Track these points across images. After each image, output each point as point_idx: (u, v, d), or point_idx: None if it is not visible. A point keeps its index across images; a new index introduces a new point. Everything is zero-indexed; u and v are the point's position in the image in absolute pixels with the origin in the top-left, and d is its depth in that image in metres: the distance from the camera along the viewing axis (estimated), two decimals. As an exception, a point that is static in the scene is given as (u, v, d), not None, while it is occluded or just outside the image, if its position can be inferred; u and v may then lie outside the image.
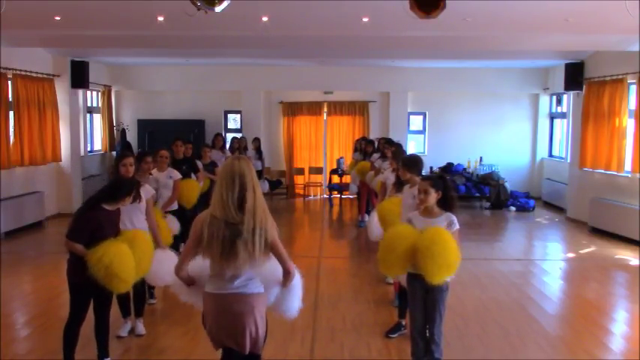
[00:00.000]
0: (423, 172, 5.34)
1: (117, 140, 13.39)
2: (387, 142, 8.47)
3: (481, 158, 13.45)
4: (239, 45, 9.29)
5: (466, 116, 13.71)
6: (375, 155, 9.40)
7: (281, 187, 13.65)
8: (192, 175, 7.39)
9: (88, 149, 12.55)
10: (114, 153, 13.06)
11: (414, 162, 5.14)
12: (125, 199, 4.24)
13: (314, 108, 13.92)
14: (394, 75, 13.32)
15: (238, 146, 11.47)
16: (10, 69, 9.30)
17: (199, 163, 8.06)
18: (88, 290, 4.12)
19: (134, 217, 4.77)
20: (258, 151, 12.31)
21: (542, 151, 13.57)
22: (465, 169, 13.23)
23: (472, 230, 10.18)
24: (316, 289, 6.53)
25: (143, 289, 5.28)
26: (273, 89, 13.82)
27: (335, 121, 14.01)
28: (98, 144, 13.12)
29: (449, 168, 13.19)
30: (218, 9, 4.79)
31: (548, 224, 11.03)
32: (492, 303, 6.20)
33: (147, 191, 5.08)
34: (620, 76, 9.52)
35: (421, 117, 14.01)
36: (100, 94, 12.94)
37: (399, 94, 13.60)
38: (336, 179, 13.06)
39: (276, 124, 14.04)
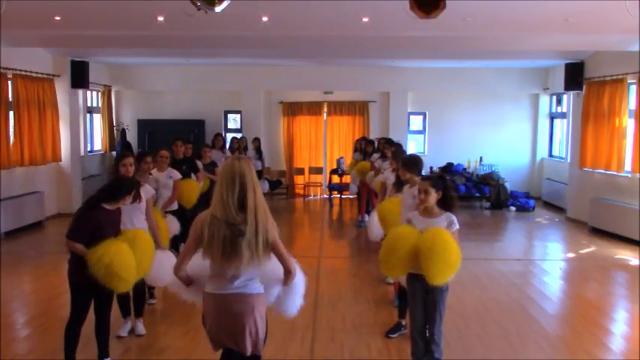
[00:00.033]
0: (423, 172, 5.35)
1: (117, 140, 13.39)
2: (387, 142, 8.46)
3: (481, 158, 13.45)
4: (239, 45, 9.29)
5: (466, 116, 13.71)
6: (375, 155, 9.40)
7: (281, 187, 13.65)
8: (192, 175, 7.39)
9: (88, 149, 12.55)
10: (114, 153, 13.06)
11: (414, 162, 5.14)
12: (125, 198, 4.25)
13: (314, 108, 13.92)
14: (394, 75, 13.32)
15: (238, 146, 11.47)
16: (10, 69, 9.31)
17: (199, 163, 8.06)
18: (88, 290, 4.12)
19: (134, 217, 4.77)
20: (258, 151, 12.31)
21: (542, 151, 13.57)
22: (465, 169, 13.23)
23: (472, 230, 10.18)
24: (316, 289, 6.53)
25: (143, 289, 5.28)
26: (273, 89, 13.82)
27: (335, 121, 14.01)
28: (98, 144, 13.13)
29: (449, 168, 13.19)
30: (218, 9, 4.79)
31: (548, 224, 11.03)
32: (492, 303, 6.20)
33: (147, 191, 5.08)
34: (620, 76, 9.52)
35: (421, 117, 14.01)
36: (100, 94, 12.94)
37: (399, 94, 13.60)
38: (336, 179, 13.06)
39: (276, 124, 14.04)
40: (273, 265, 3.14)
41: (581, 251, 8.80)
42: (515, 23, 7.15)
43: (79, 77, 11.18)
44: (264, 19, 6.82)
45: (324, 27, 7.54)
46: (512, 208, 12.27)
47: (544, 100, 13.50)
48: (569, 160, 11.65)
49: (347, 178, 12.15)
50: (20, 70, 9.60)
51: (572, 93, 11.44)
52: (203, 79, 13.43)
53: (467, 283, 6.69)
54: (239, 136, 12.82)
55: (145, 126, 13.47)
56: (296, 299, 3.31)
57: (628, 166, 9.39)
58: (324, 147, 14.06)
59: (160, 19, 6.79)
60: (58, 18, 6.95)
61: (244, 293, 3.09)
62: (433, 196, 4.03)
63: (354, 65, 13.17)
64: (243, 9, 6.14)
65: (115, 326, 4.88)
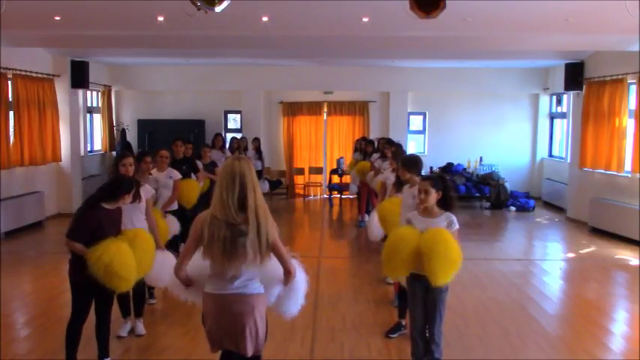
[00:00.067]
0: (423, 172, 5.34)
1: (117, 140, 13.39)
2: (387, 142, 8.46)
3: (481, 158, 13.45)
4: (239, 45, 9.29)
5: (466, 116, 13.71)
6: (375, 155, 9.40)
7: (281, 187, 13.65)
8: (192, 175, 7.39)
9: (88, 149, 12.55)
10: (114, 153, 13.06)
11: (414, 162, 5.14)
12: (124, 197, 4.24)
13: (314, 108, 13.92)
14: (394, 75, 13.32)
15: (238, 146, 11.47)
16: (10, 69, 9.31)
17: (199, 163, 8.06)
18: (89, 289, 4.12)
19: (134, 216, 4.77)
20: (258, 151, 12.31)
21: (542, 151, 13.57)
22: (465, 169, 13.23)
23: (472, 230, 10.18)
24: (316, 289, 6.53)
25: (143, 290, 5.28)
26: (273, 89, 13.82)
27: (335, 121, 14.01)
28: (98, 144, 13.13)
29: (449, 168, 13.19)
30: (218, 9, 4.79)
31: (548, 224, 11.03)
32: (492, 303, 6.20)
33: (147, 191, 5.09)
34: (620, 76, 9.52)
35: (421, 117, 14.01)
36: (100, 94, 12.94)
37: (399, 94, 13.60)
38: (336, 179, 13.06)
39: (276, 124, 14.04)
40: (274, 266, 3.14)
41: (581, 251, 8.80)
42: (515, 23, 7.15)
43: (79, 77, 11.18)
44: (264, 19, 6.82)
45: (324, 27, 7.54)
46: (512, 208, 12.27)
47: (544, 100, 13.50)
48: (569, 160, 11.65)
49: (347, 178, 12.15)
50: (20, 70, 9.60)
51: (572, 93, 11.44)
52: (203, 79, 13.43)
53: (467, 283, 6.69)
54: (239, 136, 12.82)
55: (145, 126, 13.47)
56: (297, 300, 3.30)
57: (628, 166, 9.39)
58: (324, 147, 14.06)
59: (160, 19, 6.79)
60: (58, 18, 6.95)
61: (244, 293, 3.09)
62: (433, 196, 4.03)
63: (354, 65, 13.17)
64: (243, 9, 6.14)
65: (115, 326, 4.88)
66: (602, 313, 6.12)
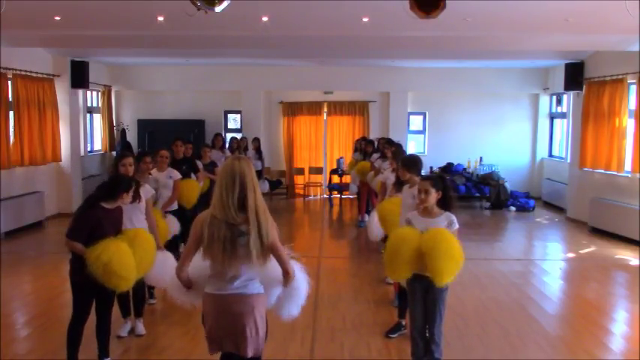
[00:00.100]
0: (423, 172, 5.34)
1: (117, 140, 13.39)
2: (387, 142, 8.46)
3: (481, 158, 13.45)
4: (239, 45, 9.29)
5: (466, 116, 13.71)
6: (375, 155, 9.40)
7: (281, 187, 13.65)
8: (192, 175, 7.39)
9: (88, 149, 12.55)
10: (114, 153, 13.06)
11: (414, 162, 5.15)
12: (123, 196, 4.23)
13: (314, 108, 13.92)
14: (394, 75, 13.32)
15: (237, 146, 11.46)
16: (10, 69, 9.31)
17: (199, 163, 8.06)
18: (89, 289, 4.13)
19: (134, 216, 4.77)
20: (258, 151, 12.30)
21: (542, 151, 13.57)
22: (465, 169, 13.23)
23: (472, 230, 10.18)
24: (316, 289, 6.52)
25: (143, 290, 5.29)
26: (273, 89, 13.82)
27: (335, 121, 14.01)
28: (98, 144, 13.13)
29: (449, 168, 13.20)
30: (218, 9, 4.79)
31: (548, 224, 11.03)
32: (492, 303, 6.20)
33: (146, 191, 5.09)
34: (620, 76, 9.52)
35: (421, 117, 14.01)
36: (100, 94, 12.94)
37: (399, 94, 13.60)
38: (336, 179, 13.06)
39: (276, 124, 14.04)
40: (274, 266, 3.14)
41: (581, 251, 8.80)
42: (515, 23, 7.15)
43: (79, 77, 11.18)
44: (264, 19, 6.82)
45: (324, 27, 7.54)
46: (512, 208, 12.27)
47: (544, 100, 13.50)
48: (569, 160, 11.65)
49: (347, 178, 12.15)
50: (20, 70, 9.60)
51: (572, 93, 11.44)
52: (203, 79, 13.43)
53: (467, 283, 6.69)
54: (239, 136, 12.82)
55: (145, 126, 13.47)
56: (297, 301, 3.29)
57: (628, 166, 9.39)
58: (324, 147, 14.06)
59: (160, 19, 6.79)
60: (58, 18, 6.95)
61: (244, 293, 3.09)
62: (433, 196, 4.04)
63: (354, 65, 13.17)
64: (243, 9, 6.14)
65: (115, 326, 4.88)
66: (602, 313, 6.12)
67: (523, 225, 11.17)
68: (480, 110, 13.72)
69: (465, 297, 6.26)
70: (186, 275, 3.17)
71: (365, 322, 5.56)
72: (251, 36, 8.09)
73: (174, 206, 6.46)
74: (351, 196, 12.53)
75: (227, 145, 11.55)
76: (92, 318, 4.31)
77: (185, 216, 6.52)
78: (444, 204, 4.09)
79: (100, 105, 12.97)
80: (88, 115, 12.46)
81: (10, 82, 9.45)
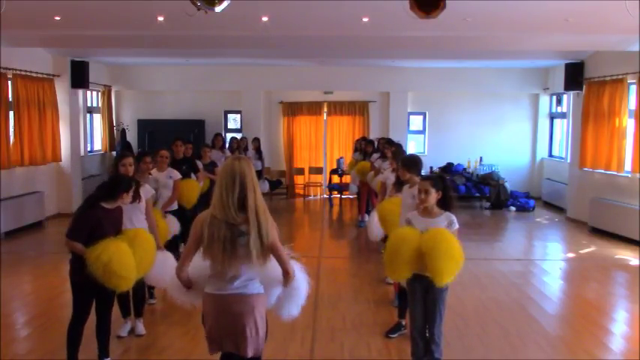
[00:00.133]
0: (423, 172, 5.34)
1: (117, 140, 13.39)
2: (387, 142, 8.46)
3: (481, 158, 13.45)
4: (239, 45, 9.29)
5: (466, 116, 13.71)
6: (375, 155, 9.40)
7: (281, 187, 13.65)
8: (192, 175, 7.39)
9: (88, 149, 12.55)
10: (114, 153, 13.06)
11: (414, 162, 5.15)
12: (123, 196, 4.23)
13: (314, 108, 13.92)
14: (394, 75, 13.32)
15: (237, 146, 11.47)
16: (10, 69, 9.31)
17: (199, 163, 8.06)
18: (89, 289, 4.13)
19: (134, 216, 4.77)
20: (258, 151, 12.31)
21: (542, 151, 13.57)
22: (465, 169, 13.23)
23: (472, 230, 10.18)
24: (316, 289, 6.52)
25: (143, 290, 5.29)
26: (273, 89, 13.82)
27: (335, 121, 14.01)
28: (98, 144, 13.13)
29: (449, 168, 13.20)
30: (218, 9, 4.79)
31: (548, 224, 11.03)
32: (492, 303, 6.20)
33: (146, 191, 5.09)
34: (620, 76, 9.52)
35: (421, 117, 14.01)
36: (100, 94, 12.94)
37: (399, 94, 13.60)
38: (336, 179, 13.06)
39: (276, 124, 14.04)
40: (274, 267, 3.14)
41: (581, 251, 8.80)
42: (515, 23, 7.15)
43: (79, 77, 11.18)
44: (264, 19, 6.82)
45: (324, 27, 7.54)
46: (512, 208, 12.27)
47: (544, 100, 13.50)
48: (569, 160, 11.65)
49: (347, 178, 12.15)
50: (20, 70, 9.60)
51: (572, 93, 11.44)
52: (203, 79, 13.43)
53: (467, 283, 6.69)
54: (239, 136, 12.82)
55: (145, 126, 13.47)
56: (297, 301, 3.29)
57: (628, 166, 9.39)
58: (324, 147, 14.06)
59: (160, 19, 6.79)
60: (58, 18, 6.95)
61: (244, 293, 3.09)
62: (433, 196, 4.04)
63: (354, 65, 13.17)
64: (243, 9, 6.14)
65: (115, 326, 4.88)
66: (602, 313, 6.12)
67: (523, 225, 11.17)
68: (480, 110, 13.72)
69: (465, 297, 6.26)
70: (186, 275, 3.17)
71: (365, 322, 5.56)
72: (251, 36, 8.09)
73: (174, 206, 6.46)
74: (351, 196, 12.53)
75: (227, 145, 11.55)
76: (92, 318, 4.31)
77: (185, 216, 6.52)
78: (444, 204, 4.10)
79: (100, 105, 12.97)
80: (88, 115, 12.46)
81: (10, 82, 9.45)
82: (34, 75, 10.05)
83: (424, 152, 13.72)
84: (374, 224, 6.23)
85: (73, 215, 4.33)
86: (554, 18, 6.70)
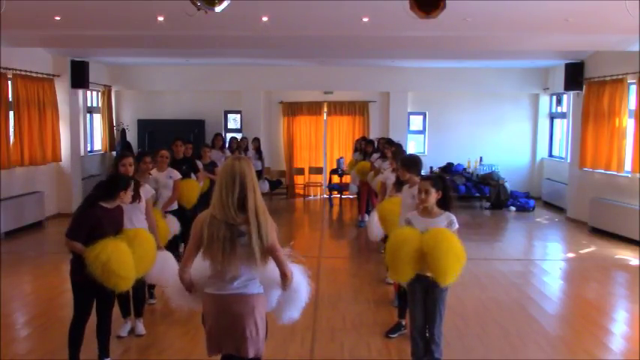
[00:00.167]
0: (423, 172, 5.34)
1: (117, 140, 13.39)
2: (387, 142, 8.46)
3: (481, 158, 13.45)
4: (239, 45, 9.30)
5: (466, 116, 13.71)
6: (375, 155, 9.40)
7: (281, 187, 13.65)
8: (192, 175, 7.39)
9: (88, 149, 12.55)
10: (114, 153, 13.06)
11: (413, 162, 5.15)
12: (121, 194, 4.22)
13: (314, 108, 13.92)
14: (394, 75, 13.32)
15: (237, 146, 11.47)
16: (10, 69, 9.30)
17: (199, 163, 8.06)
18: (89, 289, 4.12)
19: (134, 217, 4.77)
20: (258, 151, 12.31)
21: (542, 151, 13.57)
22: (465, 169, 13.23)
23: (472, 230, 10.17)
24: (316, 289, 6.50)
25: (143, 290, 5.29)
26: (273, 89, 13.82)
27: (335, 121, 14.01)
28: (98, 144, 13.13)
29: (449, 168, 13.20)
30: (218, 9, 4.79)
31: (548, 224, 11.03)
32: (492, 303, 6.20)
33: (146, 191, 5.09)
34: (620, 76, 9.52)
35: (421, 117, 14.01)
36: (100, 94, 12.94)
37: (399, 94, 13.60)
38: (336, 179, 13.06)
39: (276, 124, 14.04)
40: (273, 268, 3.13)
41: (581, 251, 8.80)
42: (515, 23, 7.15)
43: (79, 77, 11.18)
44: (264, 19, 6.82)
45: (324, 27, 7.54)
46: (512, 208, 12.27)
47: (544, 100, 13.50)
48: (569, 160, 11.64)
49: (347, 178, 12.15)
50: (20, 70, 9.60)
51: (572, 93, 11.44)
52: (203, 79, 13.43)
53: (467, 283, 6.68)
54: (239, 136, 12.82)
55: (145, 126, 13.47)
56: (298, 305, 3.28)
57: (628, 166, 9.39)
58: (324, 147, 14.06)
59: (160, 19, 6.79)
60: (58, 18, 6.95)
61: (244, 293, 3.08)
62: (433, 196, 4.04)
63: (354, 65, 13.17)
64: (243, 9, 6.14)
65: (115, 326, 4.88)
66: (602, 313, 6.12)
67: (523, 225, 11.17)
68: (480, 110, 13.72)
69: (465, 297, 6.26)
70: (188, 277, 3.16)
71: (365, 322, 5.56)
72: (251, 36, 8.09)
73: (175, 206, 6.46)
74: (351, 196, 12.53)
75: (227, 145, 11.55)
76: (92, 318, 4.30)
77: (185, 216, 6.52)
78: (444, 204, 4.10)
79: (100, 105, 12.96)
80: (88, 115, 12.46)
81: (10, 82, 9.44)
82: (34, 75, 10.05)
83: (424, 152, 13.72)
84: (374, 224, 6.23)
85: (72, 215, 4.32)
86: (554, 18, 6.70)
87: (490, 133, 13.65)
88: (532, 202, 12.36)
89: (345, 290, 6.67)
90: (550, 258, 8.73)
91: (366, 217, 9.53)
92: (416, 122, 14.06)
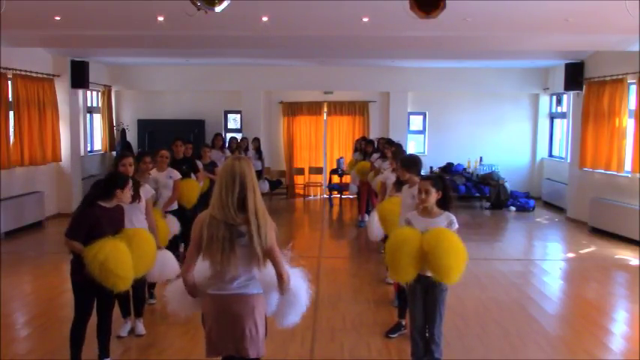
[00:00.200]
0: (423, 172, 5.34)
1: (117, 140, 13.39)
2: (387, 142, 8.47)
3: (481, 158, 13.45)
4: (239, 45, 9.29)
5: (466, 116, 13.71)
6: (375, 155, 9.40)
7: (281, 187, 13.65)
8: (192, 175, 7.39)
9: (88, 149, 12.55)
10: (114, 153, 13.06)
11: (413, 162, 5.15)
12: (117, 192, 4.20)
13: (314, 108, 13.92)
14: (394, 75, 13.32)
15: (237, 146, 11.47)
16: (10, 69, 9.30)
17: (199, 163, 8.06)
18: (90, 289, 4.12)
19: (134, 216, 4.77)
20: (258, 151, 12.31)
21: (542, 151, 13.57)
22: (465, 169, 13.23)
23: (472, 230, 10.17)
24: (316, 289, 6.51)
25: (143, 290, 5.29)
26: (273, 89, 13.82)
27: (335, 121, 14.01)
28: (98, 144, 13.13)
29: (449, 168, 13.20)
30: (218, 9, 4.80)
31: (548, 224, 11.03)
32: (492, 303, 6.20)
33: (146, 191, 5.09)
34: (620, 76, 9.52)
35: (421, 117, 14.01)
36: (100, 94, 12.94)
37: (399, 94, 13.60)
38: (336, 179, 13.06)
39: (276, 124, 14.04)
40: (273, 271, 3.12)
41: (581, 251, 8.80)
42: (515, 23, 7.15)
43: (79, 77, 11.18)
44: (264, 19, 6.82)
45: (324, 27, 7.54)
46: (512, 208, 12.27)
47: (544, 100, 13.50)
48: (569, 160, 11.65)
49: (347, 178, 12.15)
50: (20, 70, 9.60)
51: (572, 93, 11.44)
52: (203, 79, 13.43)
53: (467, 283, 6.66)
54: (239, 135, 12.82)
55: (145, 126, 13.47)
56: (297, 310, 3.26)
57: (628, 166, 9.39)
58: (324, 147, 14.06)
59: (160, 19, 6.79)
60: (58, 18, 6.95)
61: (245, 294, 3.08)
62: (433, 196, 4.04)
63: (354, 65, 13.17)
64: (243, 9, 6.14)
65: (115, 326, 4.88)
66: (602, 313, 6.12)
67: (523, 225, 11.17)
68: (480, 110, 13.72)
69: (465, 297, 6.26)
70: (192, 279, 3.13)
71: (365, 322, 5.56)
72: (251, 36, 8.09)
73: (175, 206, 6.47)
74: (351, 196, 12.53)
75: (227, 145, 11.55)
76: (92, 318, 4.30)
77: (185, 216, 6.52)
78: (444, 204, 4.10)
79: (100, 105, 12.97)
80: (88, 115, 12.46)
81: (10, 82, 9.45)
82: (34, 75, 10.05)
83: (424, 152, 13.72)
84: (374, 224, 6.23)
85: (72, 214, 4.32)
86: (554, 18, 6.70)
87: (490, 133, 13.65)
88: (532, 202, 12.36)
89: (345, 290, 6.67)
90: (550, 258, 8.73)
91: (366, 217, 9.53)
92: (416, 122, 14.06)
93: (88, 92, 12.33)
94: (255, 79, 13.42)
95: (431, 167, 12.88)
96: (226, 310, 3.07)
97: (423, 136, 13.99)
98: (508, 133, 13.68)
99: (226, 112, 14.19)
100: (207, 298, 3.13)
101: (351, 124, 13.93)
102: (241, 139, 12.12)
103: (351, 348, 4.96)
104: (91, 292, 4.16)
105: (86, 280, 4.00)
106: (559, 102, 12.97)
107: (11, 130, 9.45)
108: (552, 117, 13.35)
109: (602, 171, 10.03)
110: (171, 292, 3.35)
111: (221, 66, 13.24)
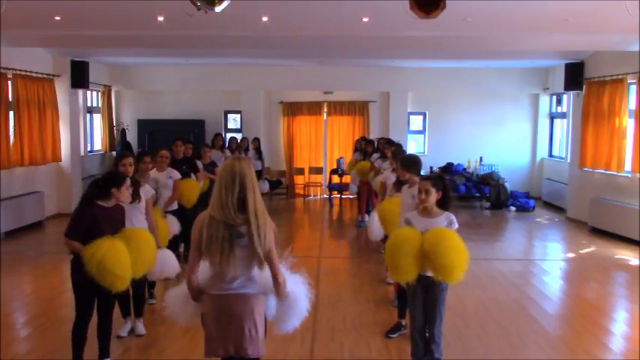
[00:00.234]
0: (423, 172, 5.34)
1: (117, 140, 13.40)
2: (387, 142, 8.47)
3: (481, 158, 13.45)
4: (239, 45, 9.29)
5: (466, 116, 13.71)
6: (375, 155, 9.40)
7: (281, 187, 13.64)
8: (192, 175, 7.40)
9: (88, 149, 12.55)
10: (114, 153, 13.07)
11: (413, 162, 5.15)
12: (113, 191, 4.18)
13: (314, 108, 13.92)
14: (394, 75, 13.32)
15: (237, 146, 11.47)
16: (10, 69, 9.31)
17: (199, 163, 8.06)
18: (90, 289, 4.12)
19: (134, 217, 4.77)
20: (258, 151, 12.31)
21: (542, 151, 13.57)
22: (465, 169, 13.23)
23: (472, 230, 10.17)
24: (316, 289, 6.52)
25: (143, 290, 5.28)
26: (273, 89, 13.82)
27: (335, 121, 14.01)
28: (98, 144, 13.13)
29: (449, 168, 13.20)
30: (218, 9, 4.80)
31: (548, 224, 11.03)
32: (492, 303, 6.20)
33: (146, 191, 5.09)
34: (620, 76, 9.52)
35: (421, 117, 14.01)
36: (100, 94, 12.94)
37: (399, 94, 13.60)
38: (336, 179, 13.06)
39: (276, 124, 14.04)
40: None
41: (581, 251, 8.80)
42: (515, 23, 7.15)
43: (79, 77, 11.18)
44: (264, 19, 6.82)
45: (324, 27, 7.54)
46: (512, 208, 12.27)
47: (544, 100, 13.50)
48: (569, 160, 11.65)
49: (347, 178, 12.15)
50: (20, 70, 9.60)
51: (572, 93, 11.44)
52: (203, 79, 13.43)
53: (467, 283, 6.61)
54: (239, 136, 12.82)
55: (145, 126, 13.47)
56: (298, 315, 3.25)
57: (628, 166, 9.39)
58: (324, 147, 14.06)
59: (160, 19, 6.79)
60: (58, 18, 6.95)
61: (245, 294, 3.08)
62: (433, 196, 4.04)
63: (354, 65, 13.17)
64: (243, 9, 6.14)
65: (115, 326, 4.87)
66: (602, 313, 6.12)
67: (523, 225, 11.17)
68: (480, 110, 13.72)
69: (465, 297, 6.26)
70: (196, 282, 3.12)
71: (365, 322, 5.56)
72: (251, 36, 8.09)
73: (175, 206, 6.47)
74: (351, 196, 12.53)
75: (227, 145, 11.55)
76: (93, 318, 4.30)
77: (185, 216, 6.53)
78: (443, 204, 4.10)
79: (100, 105, 12.97)
80: (88, 115, 12.46)
81: (10, 82, 9.45)
82: (34, 75, 10.05)
83: (424, 152, 13.72)
84: (374, 224, 6.23)
85: (71, 214, 4.32)
86: (554, 18, 6.70)
87: (490, 133, 13.65)
88: (532, 202, 12.36)
89: (345, 290, 6.67)
90: (550, 258, 8.73)
91: (366, 217, 9.52)
92: (416, 122, 14.06)
93: (88, 92, 12.33)
94: (255, 79, 13.42)
95: (431, 167, 12.88)
96: (226, 310, 3.07)
97: (423, 136, 13.99)
98: (508, 133, 13.68)
99: (226, 112, 14.19)
100: (207, 298, 3.13)
101: (351, 124, 13.93)
102: (241, 139, 12.12)
103: (351, 348, 4.96)
104: (92, 292, 4.16)
105: (86, 279, 4.00)
106: (559, 102, 12.97)
107: (11, 130, 9.45)
108: (552, 117, 13.35)
109: (602, 171, 10.03)
110: (172, 298, 3.34)
111: (221, 66, 13.24)
